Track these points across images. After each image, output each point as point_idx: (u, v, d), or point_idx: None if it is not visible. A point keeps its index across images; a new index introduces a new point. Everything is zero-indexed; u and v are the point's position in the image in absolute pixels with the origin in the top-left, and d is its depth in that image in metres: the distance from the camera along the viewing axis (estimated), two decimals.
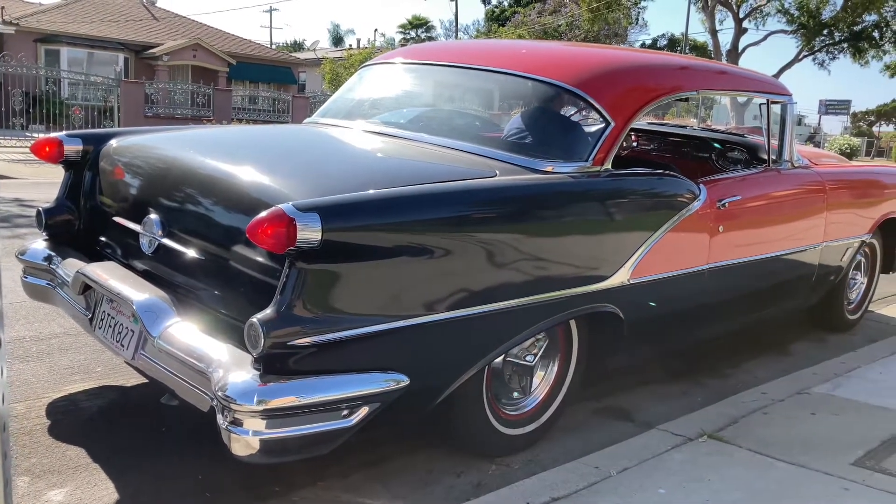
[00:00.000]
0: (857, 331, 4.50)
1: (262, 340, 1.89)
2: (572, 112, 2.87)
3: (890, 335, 4.30)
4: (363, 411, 2.04)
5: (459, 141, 2.81)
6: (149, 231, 2.50)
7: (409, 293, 2.13)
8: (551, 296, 2.48)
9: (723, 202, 3.10)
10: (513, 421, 2.64)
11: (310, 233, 1.87)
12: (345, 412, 2.01)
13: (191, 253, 2.37)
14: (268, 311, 1.91)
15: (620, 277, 2.68)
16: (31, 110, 15.87)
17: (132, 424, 2.69)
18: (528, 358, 2.65)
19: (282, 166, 2.47)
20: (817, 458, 2.44)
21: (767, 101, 3.61)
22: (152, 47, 24.84)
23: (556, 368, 2.75)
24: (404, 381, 2.11)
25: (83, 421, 2.71)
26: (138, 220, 2.58)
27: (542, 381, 2.74)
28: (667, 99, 3.13)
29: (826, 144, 49.12)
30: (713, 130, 4.32)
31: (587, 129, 2.78)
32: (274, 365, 1.93)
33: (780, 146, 3.67)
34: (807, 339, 4.30)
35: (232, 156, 2.59)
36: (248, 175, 2.34)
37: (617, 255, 2.68)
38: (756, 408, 2.90)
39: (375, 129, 3.08)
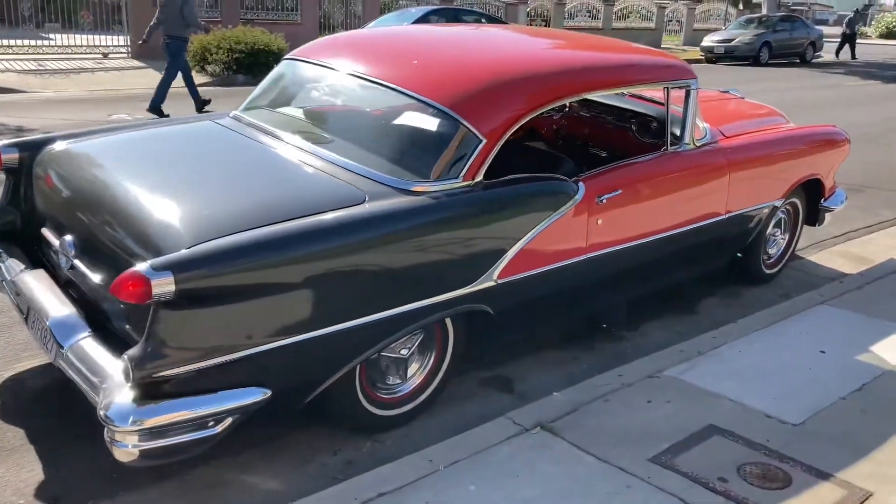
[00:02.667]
0: (777, 283, 4.82)
1: (132, 374, 2.32)
2: (444, 131, 3.07)
3: (803, 291, 4.56)
4: (228, 421, 2.48)
5: (342, 157, 3.07)
6: (63, 250, 2.90)
7: (268, 322, 2.50)
8: (416, 305, 2.83)
9: (601, 198, 3.37)
10: (389, 403, 3.06)
11: (164, 287, 2.26)
12: (211, 423, 2.45)
13: (95, 278, 2.76)
14: (136, 349, 2.34)
15: (487, 280, 3.02)
16: (44, 8, 15.92)
17: (71, 405, 2.95)
18: (402, 352, 3.04)
19: (167, 202, 2.76)
20: (623, 453, 2.70)
21: (666, 88, 3.80)
22: None
23: (433, 357, 3.15)
24: (266, 394, 2.52)
25: (27, 401, 3.14)
26: (58, 236, 2.99)
27: (419, 369, 3.14)
28: (544, 109, 3.31)
29: (873, 23, 46.52)
30: (645, 100, 4.43)
31: (458, 148, 3.02)
32: (147, 391, 2.36)
33: (682, 128, 3.87)
34: (719, 294, 4.62)
35: (135, 180, 2.94)
36: (135, 212, 2.71)
37: (484, 261, 3.00)
38: (604, 393, 3.16)
39: (274, 136, 3.34)
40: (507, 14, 22.35)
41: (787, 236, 4.88)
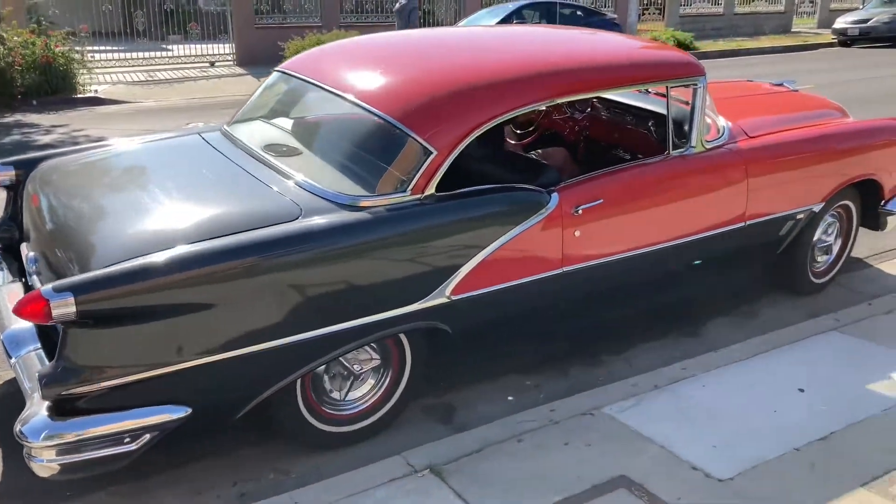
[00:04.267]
0: (812, 301, 4.34)
1: (42, 392, 2.41)
2: (392, 143, 3.01)
3: (837, 309, 4.07)
4: (145, 438, 2.53)
5: (295, 171, 3.07)
6: (27, 266, 3.08)
7: (184, 341, 2.52)
8: (354, 323, 2.78)
9: (577, 209, 3.18)
10: (340, 420, 3.03)
11: (64, 309, 2.33)
12: (127, 440, 2.50)
13: None
14: (47, 368, 2.44)
15: (438, 297, 2.93)
16: (164, 21, 16.97)
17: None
18: (355, 367, 3.01)
19: (105, 222, 2.89)
20: None
21: (667, 87, 3.54)
22: None
23: (389, 374, 3.09)
24: (185, 412, 2.56)
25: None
26: (27, 252, 3.17)
27: (374, 386, 3.09)
28: (507, 117, 3.16)
29: None
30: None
31: (407, 160, 2.95)
32: (61, 408, 2.45)
33: (689, 130, 3.60)
34: (733, 313, 4.19)
35: (88, 200, 3.08)
36: (77, 232, 2.84)
37: (434, 278, 2.91)
38: (522, 431, 2.90)
39: (245, 151, 3.39)
40: (616, 4, 21.72)
41: (838, 243, 4.44)
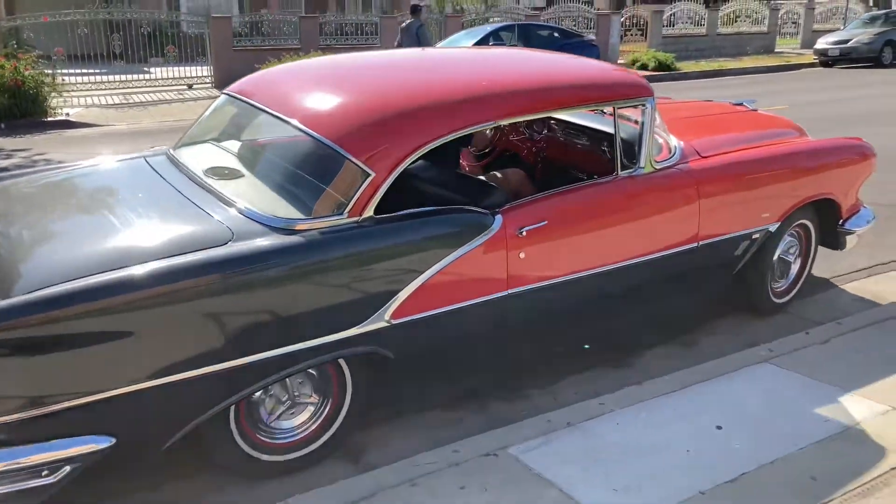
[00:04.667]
0: (754, 327, 4.25)
1: None
2: (329, 165, 2.99)
3: (780, 336, 3.98)
4: (66, 470, 2.47)
5: (233, 195, 3.04)
6: None
7: (105, 369, 2.47)
8: (287, 349, 2.74)
9: (522, 230, 3.17)
10: (277, 448, 2.97)
11: None
12: (45, 472, 2.44)
13: None
14: None
15: (377, 322, 2.90)
16: (146, 44, 17.00)
17: None
18: (292, 394, 2.97)
19: (30, 249, 2.86)
20: None
21: (614, 108, 3.56)
22: None
23: (330, 402, 3.05)
24: (108, 442, 2.50)
25: None
26: None
27: (313, 414, 3.04)
28: (447, 139, 3.11)
29: None
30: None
31: (344, 183, 2.93)
32: None
33: (638, 151, 3.60)
34: (670, 343, 4.05)
35: (18, 227, 3.04)
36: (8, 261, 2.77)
37: (372, 302, 2.88)
38: (419, 474, 2.78)
39: (185, 174, 3.38)
40: (598, 25, 21.94)
41: (798, 262, 4.46)
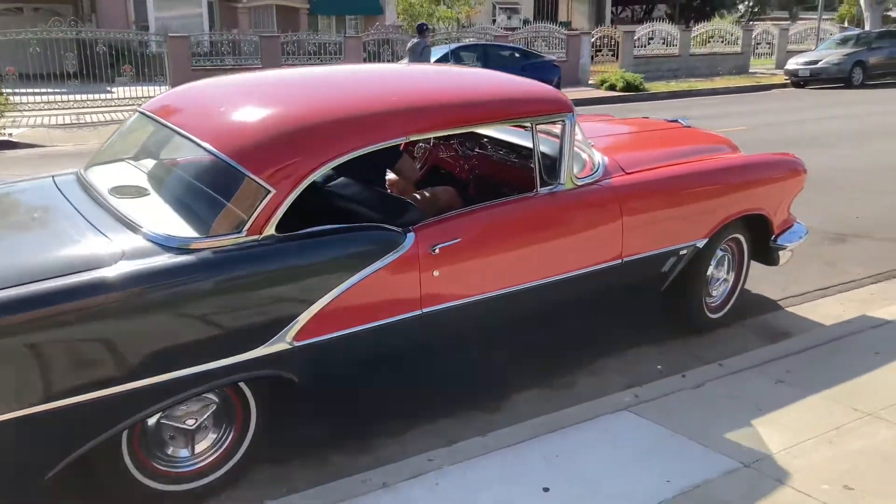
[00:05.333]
0: (637, 369, 4.02)
1: None
2: (227, 182, 2.97)
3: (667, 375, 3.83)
4: None
5: (128, 213, 3.01)
6: None
7: None
8: (176, 374, 2.68)
9: (435, 248, 3.16)
10: (175, 478, 2.92)
11: None
12: None
13: None
14: None
15: (279, 343, 2.86)
16: (100, 65, 17.01)
17: None
18: (188, 422, 2.91)
19: None
20: None
21: (532, 124, 3.58)
22: None
23: (232, 429, 3.01)
24: None
25: None
26: None
27: (215, 441, 2.99)
28: (353, 155, 3.08)
29: None
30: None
31: (242, 200, 2.89)
32: None
33: (557, 167, 3.62)
34: (545, 384, 3.83)
35: None
36: None
37: (273, 323, 2.85)
38: None
39: (87, 193, 3.35)
40: (569, 45, 22.25)
41: (731, 278, 4.52)
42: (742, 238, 4.43)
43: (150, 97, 15.81)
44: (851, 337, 4.19)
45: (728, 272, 4.49)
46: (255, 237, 2.85)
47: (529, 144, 4.07)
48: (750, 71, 26.05)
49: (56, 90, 15.82)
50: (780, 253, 4.52)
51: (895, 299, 4.81)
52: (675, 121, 5.18)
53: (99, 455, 2.71)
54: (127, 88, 16.34)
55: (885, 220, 6.88)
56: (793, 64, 21.95)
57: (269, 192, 2.87)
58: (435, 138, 4.65)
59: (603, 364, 4.09)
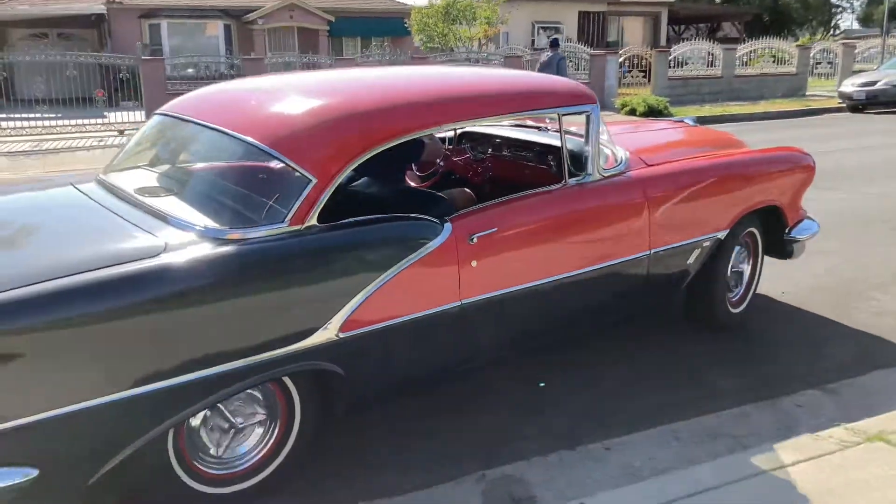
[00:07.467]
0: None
1: None
2: (270, 172, 3.44)
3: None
4: None
5: (166, 208, 3.45)
6: None
7: (21, 393, 2.69)
8: (225, 368, 3.03)
9: (473, 237, 3.66)
10: (222, 480, 3.31)
11: None
12: None
13: None
14: None
15: (326, 334, 3.25)
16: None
17: None
18: (236, 419, 3.31)
19: None
20: None
21: (559, 115, 4.20)
22: (252, 11, 29.35)
23: (277, 426, 3.41)
24: (31, 474, 2.72)
25: None
26: None
27: (260, 439, 3.40)
28: (389, 144, 3.56)
29: None
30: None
31: (283, 190, 3.33)
32: None
33: (585, 158, 4.26)
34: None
35: None
36: None
37: (319, 313, 3.23)
38: None
39: (115, 194, 3.80)
40: (592, 67, 23.46)
41: (749, 270, 5.31)
42: (757, 232, 5.21)
43: (122, 122, 17.23)
44: None
45: (746, 267, 5.27)
46: (298, 227, 3.24)
47: (544, 140, 4.87)
48: (807, 93, 26.60)
49: (16, 115, 17.02)
50: (795, 246, 5.34)
51: None
52: (681, 120, 6.23)
53: (145, 458, 3.02)
54: (123, 113, 17.64)
55: None
56: (848, 86, 22.36)
57: (311, 181, 3.30)
58: (451, 140, 5.40)
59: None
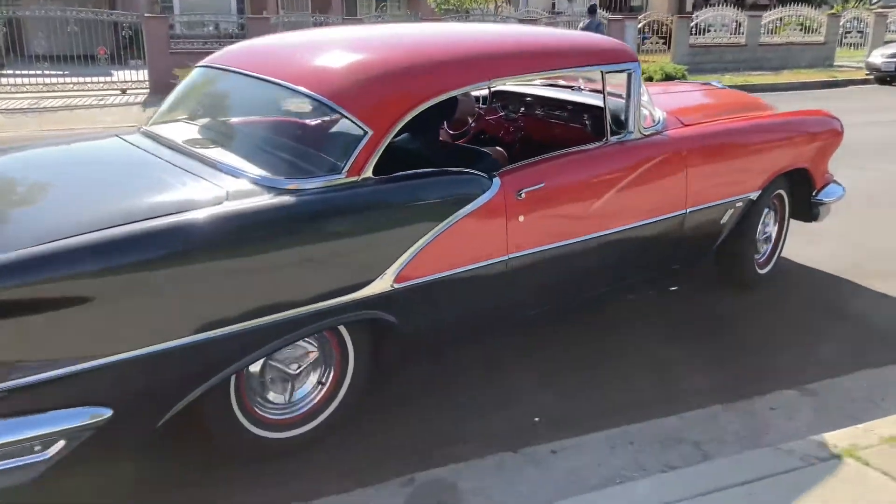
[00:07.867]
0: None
1: None
2: (326, 123, 3.56)
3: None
4: (60, 445, 2.75)
5: (221, 159, 3.54)
6: None
7: (98, 335, 2.79)
8: (287, 315, 3.15)
9: (520, 193, 3.79)
10: (279, 425, 3.45)
11: None
12: (38, 447, 2.71)
13: None
14: None
15: (382, 285, 3.38)
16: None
17: None
18: (292, 366, 3.45)
19: (13, 215, 3.28)
20: None
21: (602, 73, 4.32)
22: None
23: (332, 373, 3.55)
24: (106, 414, 2.81)
25: None
26: None
27: (315, 386, 3.55)
28: (441, 98, 3.68)
29: None
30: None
31: (340, 141, 3.46)
32: None
33: (626, 116, 4.39)
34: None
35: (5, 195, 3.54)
36: None
37: (375, 264, 3.36)
38: None
39: (167, 146, 3.87)
40: (609, 31, 23.06)
41: (775, 231, 5.49)
42: (785, 194, 5.38)
43: (125, 81, 17.15)
44: None
45: (773, 226, 5.45)
46: (355, 178, 3.36)
47: (579, 99, 5.04)
48: (835, 64, 26.20)
49: (19, 72, 16.86)
50: (821, 209, 5.50)
51: None
52: (709, 83, 6.23)
53: (208, 403, 3.16)
54: (128, 71, 17.48)
55: None
56: (877, 56, 21.93)
57: (367, 133, 3.42)
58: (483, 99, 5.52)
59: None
